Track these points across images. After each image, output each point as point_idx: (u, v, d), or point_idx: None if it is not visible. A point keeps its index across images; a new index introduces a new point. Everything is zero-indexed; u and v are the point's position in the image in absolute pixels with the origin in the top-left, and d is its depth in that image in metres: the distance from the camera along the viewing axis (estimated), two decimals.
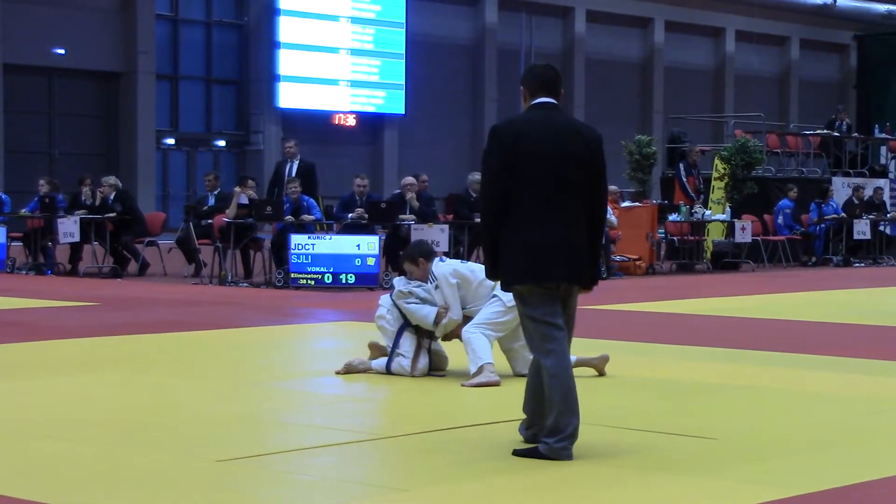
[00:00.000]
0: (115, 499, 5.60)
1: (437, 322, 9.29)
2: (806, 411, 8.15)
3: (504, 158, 6.46)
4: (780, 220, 25.43)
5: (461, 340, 9.19)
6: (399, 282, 9.55)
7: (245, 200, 19.03)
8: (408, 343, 9.33)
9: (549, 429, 6.47)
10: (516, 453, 6.57)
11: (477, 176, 21.06)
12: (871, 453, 6.85)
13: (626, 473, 6.21)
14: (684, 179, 24.32)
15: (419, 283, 9.40)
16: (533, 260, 6.45)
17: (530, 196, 6.46)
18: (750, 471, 6.32)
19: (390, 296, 9.52)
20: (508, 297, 8.82)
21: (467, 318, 9.30)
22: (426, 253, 9.54)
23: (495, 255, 6.53)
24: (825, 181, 27.36)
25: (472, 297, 9.33)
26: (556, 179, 6.48)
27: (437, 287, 9.32)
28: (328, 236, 18.33)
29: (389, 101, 40.05)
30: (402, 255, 9.76)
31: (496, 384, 8.91)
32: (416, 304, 9.37)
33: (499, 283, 6.84)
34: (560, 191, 6.49)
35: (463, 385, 8.96)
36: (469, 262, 9.85)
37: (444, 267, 9.41)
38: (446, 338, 9.47)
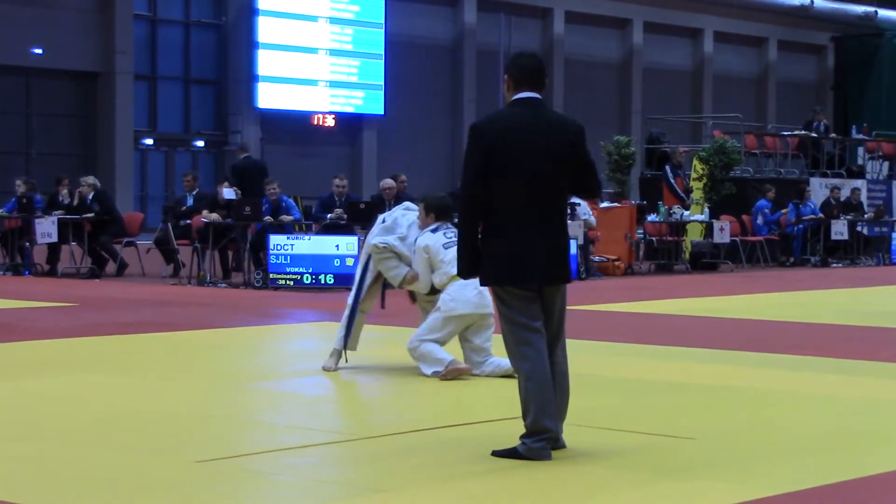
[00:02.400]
0: (92, 500, 5.57)
1: (401, 285, 9.70)
2: (785, 411, 8.17)
3: (483, 158, 6.42)
4: (759, 220, 25.51)
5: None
6: (378, 235, 9.65)
7: (232, 195, 19.02)
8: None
9: (528, 430, 6.47)
10: (496, 454, 6.56)
11: None
12: (849, 452, 6.87)
13: (606, 474, 6.22)
14: (672, 181, 24.39)
15: (400, 234, 9.57)
16: (511, 261, 6.43)
17: (509, 196, 6.42)
18: (729, 470, 6.33)
19: (372, 240, 9.72)
20: (448, 308, 9.05)
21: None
22: (441, 212, 9.63)
23: (472, 254, 6.50)
24: (803, 182, 27.45)
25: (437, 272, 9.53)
26: (536, 179, 6.44)
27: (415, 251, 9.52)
28: (307, 237, 18.31)
29: (368, 101, 40.04)
30: (425, 198, 9.86)
31: (468, 370, 9.21)
32: (392, 262, 9.59)
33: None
34: (540, 190, 6.45)
35: (440, 378, 9.15)
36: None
37: (427, 238, 9.50)
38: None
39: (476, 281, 7.09)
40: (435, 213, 9.61)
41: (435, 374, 9.22)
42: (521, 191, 6.43)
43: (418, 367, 9.38)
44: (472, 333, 9.41)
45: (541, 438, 6.42)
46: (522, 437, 6.50)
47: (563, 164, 6.50)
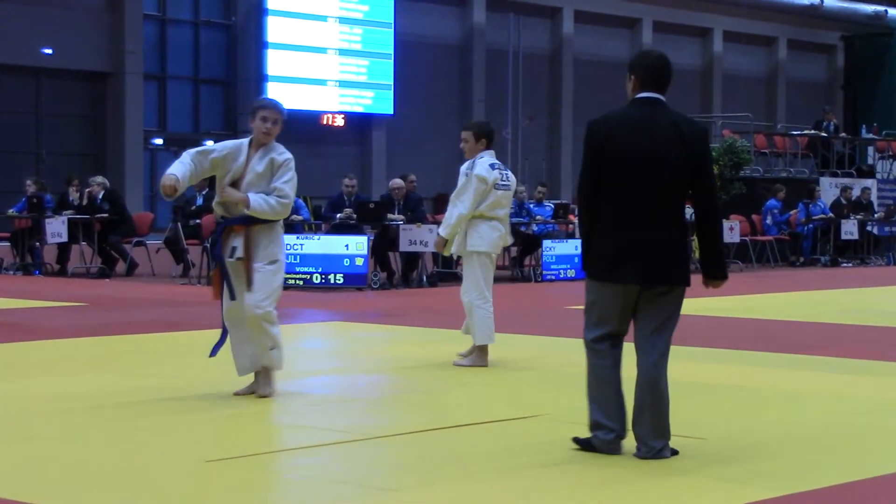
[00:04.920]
0: (103, 499, 5.58)
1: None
2: (794, 411, 8.16)
3: (594, 157, 6.47)
4: (769, 220, 25.48)
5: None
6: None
7: None
8: None
9: (589, 424, 6.59)
10: (576, 440, 6.69)
11: None
12: (860, 453, 6.85)
13: (616, 473, 6.21)
14: None
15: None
16: (611, 259, 6.44)
17: (616, 196, 6.44)
18: (739, 470, 6.32)
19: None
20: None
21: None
22: (490, 138, 10.09)
23: (587, 248, 6.56)
24: (813, 181, 27.42)
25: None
26: (644, 181, 6.40)
27: (464, 175, 9.90)
28: (317, 236, 18.32)
29: (377, 101, 40.04)
30: (476, 125, 10.26)
31: (483, 365, 9.76)
32: None
33: None
34: (649, 190, 6.40)
35: (455, 364, 9.68)
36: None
37: (485, 171, 9.92)
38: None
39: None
40: (486, 138, 10.01)
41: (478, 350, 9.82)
42: (629, 190, 6.41)
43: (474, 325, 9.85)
44: None
45: (607, 433, 6.52)
46: (592, 430, 6.62)
47: (676, 164, 6.42)
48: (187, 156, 8.00)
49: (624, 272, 6.41)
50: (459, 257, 10.38)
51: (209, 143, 7.94)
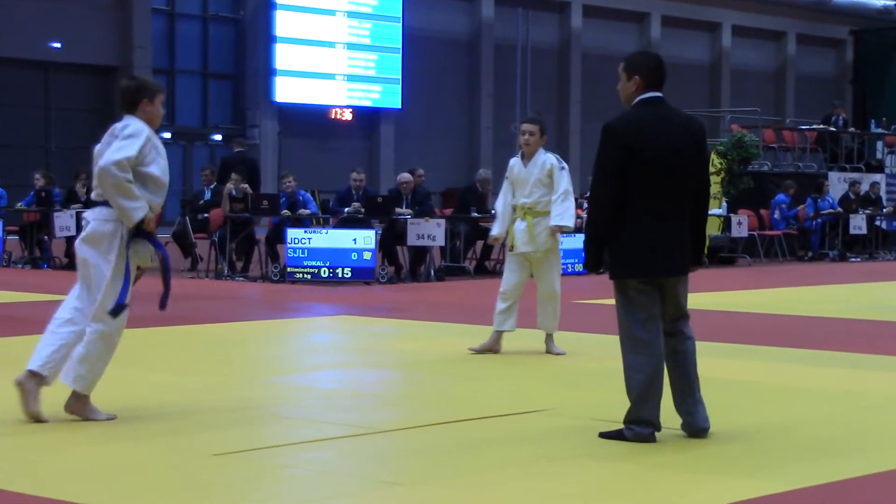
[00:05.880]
0: (109, 492, 5.59)
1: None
2: (801, 406, 8.15)
3: (621, 158, 6.60)
4: (777, 214, 25.45)
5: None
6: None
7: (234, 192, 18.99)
8: None
9: (631, 417, 6.71)
10: (602, 435, 6.79)
11: (485, 173, 21.05)
12: (867, 448, 6.85)
13: (621, 467, 6.22)
14: None
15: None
16: (644, 255, 6.65)
17: (644, 193, 6.62)
18: (744, 465, 6.32)
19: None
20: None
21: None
22: (543, 127, 10.39)
23: (600, 250, 6.71)
24: (821, 176, 27.38)
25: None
26: (670, 179, 6.67)
27: (561, 169, 10.21)
28: (324, 230, 18.33)
29: (386, 95, 40.06)
30: (538, 119, 10.56)
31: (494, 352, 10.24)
32: None
33: None
34: (672, 188, 6.70)
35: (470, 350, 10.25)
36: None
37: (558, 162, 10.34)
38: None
39: None
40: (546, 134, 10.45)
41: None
42: (655, 187, 6.64)
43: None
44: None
45: (647, 425, 6.67)
46: (626, 422, 6.72)
47: (691, 160, 6.75)
48: (135, 188, 7.15)
49: (662, 265, 6.70)
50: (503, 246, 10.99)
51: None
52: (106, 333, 7.21)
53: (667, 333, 6.82)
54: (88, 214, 7.35)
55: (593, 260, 6.79)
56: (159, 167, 7.22)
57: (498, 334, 10.31)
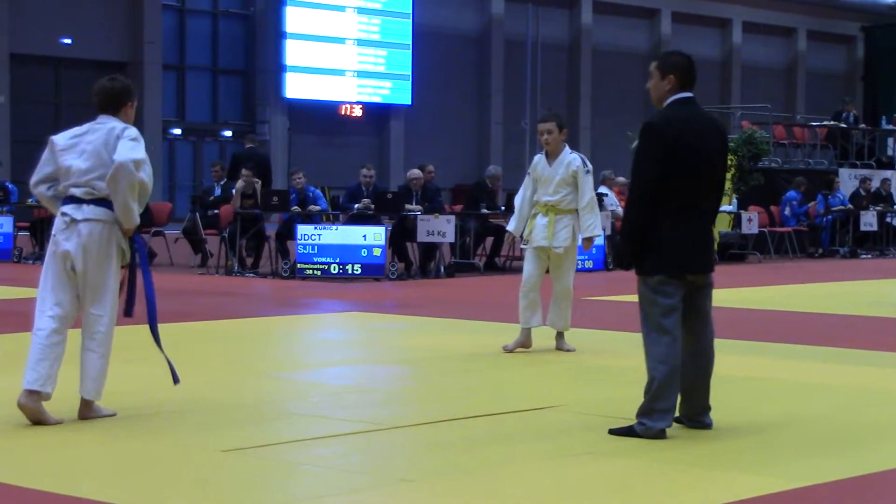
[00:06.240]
0: (119, 488, 5.60)
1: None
2: (812, 402, 8.14)
3: (665, 156, 6.71)
4: (787, 211, 25.41)
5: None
6: None
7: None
8: None
9: (647, 410, 6.76)
10: (612, 432, 6.83)
11: (495, 169, 21.05)
12: (874, 445, 6.84)
13: (628, 463, 6.22)
14: None
15: None
16: (681, 252, 6.77)
17: (681, 193, 6.75)
18: (757, 461, 6.31)
19: None
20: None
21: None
22: (561, 121, 10.37)
23: (636, 246, 6.78)
24: (832, 173, 27.32)
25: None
26: (706, 178, 6.86)
27: (586, 172, 10.20)
28: (334, 227, 18.34)
29: (396, 91, 40.06)
30: (555, 115, 10.57)
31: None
32: None
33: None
34: (707, 185, 6.88)
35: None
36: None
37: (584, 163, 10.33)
38: None
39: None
40: (566, 129, 10.50)
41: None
42: (691, 186, 6.78)
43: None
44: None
45: (660, 419, 6.73)
46: (640, 416, 6.77)
47: (721, 159, 7.00)
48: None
49: (695, 262, 6.85)
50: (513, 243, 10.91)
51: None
52: (110, 336, 7.20)
53: (689, 332, 6.91)
54: (74, 213, 7.15)
55: (629, 257, 6.88)
56: (147, 174, 7.19)
57: (527, 331, 10.30)
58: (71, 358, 7.22)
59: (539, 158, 10.35)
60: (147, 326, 7.49)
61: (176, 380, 7.47)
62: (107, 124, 7.21)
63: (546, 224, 10.17)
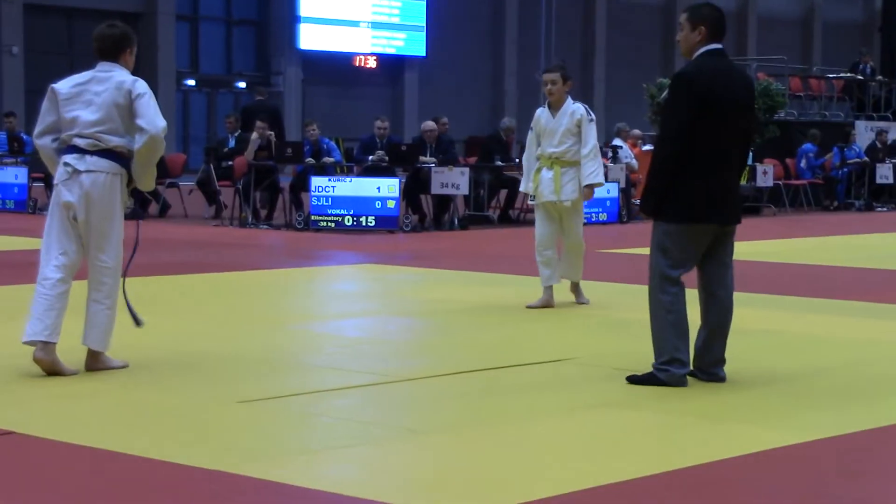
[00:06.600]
0: (136, 438, 5.63)
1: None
2: (826, 356, 8.14)
3: (696, 107, 6.72)
4: (803, 164, 25.31)
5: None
6: None
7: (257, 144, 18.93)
8: None
9: (665, 359, 6.83)
10: (631, 380, 6.91)
11: (509, 121, 20.97)
12: (887, 398, 6.84)
13: (641, 416, 6.22)
14: None
15: None
16: (710, 201, 6.81)
17: (714, 141, 6.78)
18: (765, 415, 6.32)
19: None
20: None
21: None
22: (566, 73, 10.28)
23: (663, 195, 6.82)
24: (848, 125, 27.19)
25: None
26: (735, 129, 6.89)
27: (590, 121, 10.10)
28: (348, 179, 18.33)
29: (410, 42, 39.90)
30: (560, 66, 10.43)
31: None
32: None
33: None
34: (736, 135, 6.91)
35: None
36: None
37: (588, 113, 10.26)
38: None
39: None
40: (571, 80, 10.32)
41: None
42: (720, 137, 6.81)
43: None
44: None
45: (682, 366, 6.82)
46: (659, 364, 6.84)
47: (749, 111, 7.05)
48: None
49: (718, 213, 6.86)
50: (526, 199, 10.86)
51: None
52: (117, 288, 7.21)
53: (709, 279, 7.01)
54: (77, 163, 7.07)
55: (656, 206, 6.89)
56: None
57: (549, 289, 10.28)
58: (73, 309, 7.23)
59: (541, 111, 10.29)
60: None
61: (138, 322, 7.46)
62: (112, 75, 7.15)
63: (552, 178, 10.14)
